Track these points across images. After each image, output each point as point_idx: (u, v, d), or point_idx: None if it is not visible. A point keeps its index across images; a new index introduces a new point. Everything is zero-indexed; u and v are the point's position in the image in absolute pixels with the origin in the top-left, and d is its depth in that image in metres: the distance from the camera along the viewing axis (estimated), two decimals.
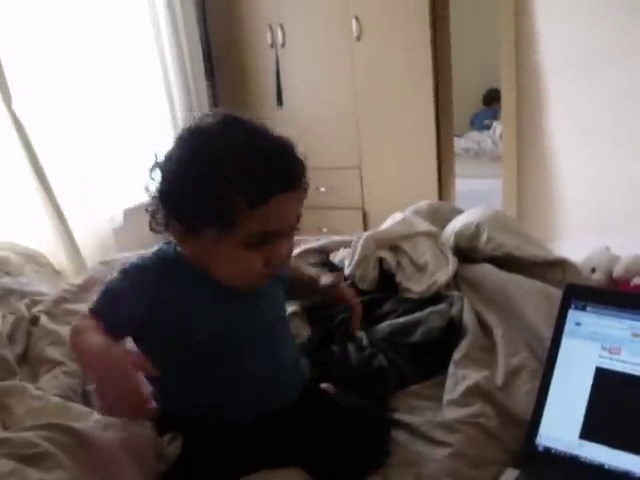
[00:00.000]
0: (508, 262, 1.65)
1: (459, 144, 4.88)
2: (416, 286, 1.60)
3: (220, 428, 1.05)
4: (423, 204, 2.03)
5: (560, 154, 3.04)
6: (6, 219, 2.35)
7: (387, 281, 1.64)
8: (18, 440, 0.92)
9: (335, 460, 1.07)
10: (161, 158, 1.01)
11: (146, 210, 1.02)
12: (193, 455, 1.03)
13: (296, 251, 1.77)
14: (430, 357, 1.38)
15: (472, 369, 1.29)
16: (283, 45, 3.31)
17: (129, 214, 2.73)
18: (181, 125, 1.01)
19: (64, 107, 2.53)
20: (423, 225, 1.80)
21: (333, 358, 1.40)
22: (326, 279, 1.28)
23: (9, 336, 1.50)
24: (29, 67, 2.39)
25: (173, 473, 1.01)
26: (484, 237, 1.69)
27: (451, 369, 1.31)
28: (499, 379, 1.27)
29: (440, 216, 1.95)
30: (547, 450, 1.09)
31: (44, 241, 2.34)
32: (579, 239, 2.68)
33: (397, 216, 1.87)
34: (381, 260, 1.69)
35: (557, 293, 1.33)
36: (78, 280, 1.79)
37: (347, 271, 1.69)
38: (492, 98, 5.32)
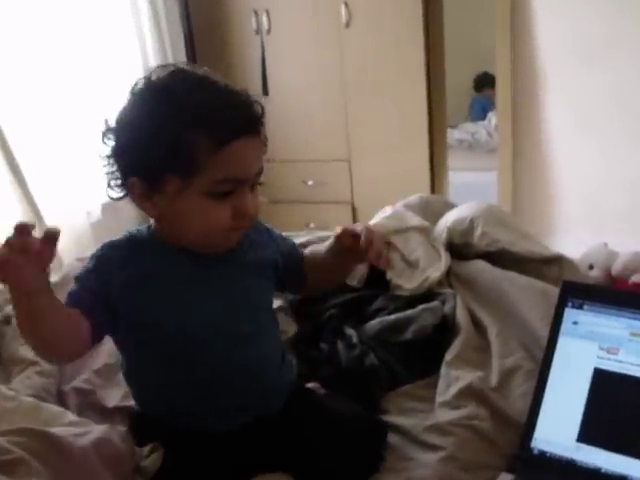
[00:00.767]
0: (503, 258, 1.65)
1: (452, 135, 4.88)
2: (407, 283, 1.60)
3: (200, 436, 1.04)
4: (414, 198, 2.03)
5: (557, 145, 3.04)
6: None
7: (377, 278, 1.64)
8: None
9: (332, 467, 1.07)
10: (112, 123, 1.00)
11: (106, 174, 1.02)
12: (173, 469, 1.03)
13: None
14: (422, 356, 1.39)
15: (465, 369, 1.30)
16: (269, 32, 3.29)
17: (107, 208, 2.71)
18: None
19: (38, 98, 2.51)
20: (415, 219, 1.80)
21: (321, 356, 1.41)
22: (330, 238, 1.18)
23: None
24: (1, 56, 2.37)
25: None
26: (478, 232, 1.69)
27: (443, 370, 1.32)
28: (493, 380, 1.28)
29: (432, 210, 1.95)
30: (542, 454, 1.10)
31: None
32: (576, 234, 2.69)
33: (387, 210, 1.87)
34: None
35: (554, 291, 1.33)
36: (54, 277, 1.78)
37: None
38: (484, 83, 5.26)
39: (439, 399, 1.24)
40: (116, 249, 1.03)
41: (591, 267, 1.88)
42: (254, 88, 3.32)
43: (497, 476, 1.07)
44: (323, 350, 1.42)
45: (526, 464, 1.10)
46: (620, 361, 1.11)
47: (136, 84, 0.99)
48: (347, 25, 3.15)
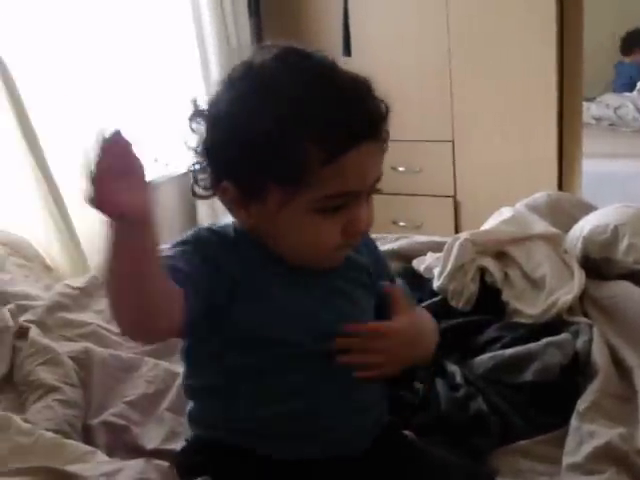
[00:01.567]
0: None
1: (589, 111, 4.80)
2: (529, 308, 1.61)
3: (255, 461, 1.07)
4: (539, 196, 2.02)
5: None
6: None
7: (490, 299, 1.65)
8: None
9: None
10: (203, 105, 1.04)
11: (190, 171, 1.06)
12: None
13: None
14: (545, 404, 1.39)
15: (603, 424, 1.30)
16: None
17: None
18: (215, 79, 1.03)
19: (69, 87, 2.70)
20: (540, 225, 1.80)
21: (415, 398, 1.42)
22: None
23: None
24: (31, 41, 2.54)
25: None
26: (624, 245, 1.68)
27: (574, 422, 1.32)
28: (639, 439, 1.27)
29: (562, 212, 1.95)
30: None
31: (31, 227, 2.41)
32: None
33: (505, 212, 1.88)
34: (483, 271, 1.70)
35: None
36: (79, 281, 1.84)
37: (437, 284, 1.70)
38: (633, 43, 5.15)
39: (567, 460, 1.24)
40: (215, 235, 1.06)
41: None
42: (332, 48, 3.36)
43: None
44: (418, 391, 1.44)
45: None
46: None
47: (234, 69, 1.03)
48: None
